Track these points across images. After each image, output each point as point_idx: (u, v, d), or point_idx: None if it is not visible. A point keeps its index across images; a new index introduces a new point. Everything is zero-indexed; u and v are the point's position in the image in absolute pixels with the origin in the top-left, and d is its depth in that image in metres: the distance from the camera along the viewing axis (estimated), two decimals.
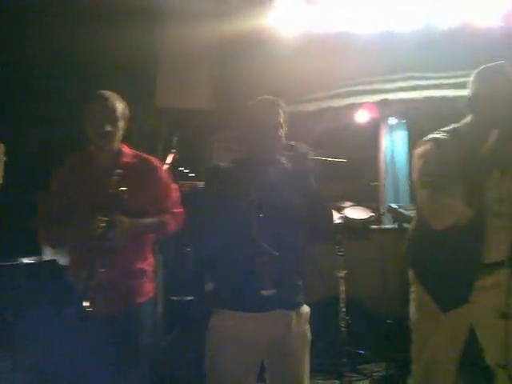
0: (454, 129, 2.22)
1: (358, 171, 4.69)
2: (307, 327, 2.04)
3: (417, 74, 4.67)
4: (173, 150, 2.92)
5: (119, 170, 2.13)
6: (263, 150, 2.03)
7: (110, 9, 3.87)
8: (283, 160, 2.05)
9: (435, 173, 2.06)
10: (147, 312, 2.32)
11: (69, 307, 2.10)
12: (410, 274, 2.34)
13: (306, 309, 2.06)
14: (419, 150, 2.21)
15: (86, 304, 1.91)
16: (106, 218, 2.04)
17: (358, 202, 4.09)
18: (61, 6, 3.90)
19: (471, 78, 2.21)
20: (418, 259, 2.31)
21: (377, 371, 3.55)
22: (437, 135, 2.19)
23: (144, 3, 4.06)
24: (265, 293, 1.89)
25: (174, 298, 3.35)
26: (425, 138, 2.23)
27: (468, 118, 2.21)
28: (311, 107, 4.51)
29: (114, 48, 3.78)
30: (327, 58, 4.58)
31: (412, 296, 2.32)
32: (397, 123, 4.95)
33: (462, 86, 4.08)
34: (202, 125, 4.62)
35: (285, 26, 4.66)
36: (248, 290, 1.91)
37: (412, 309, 2.30)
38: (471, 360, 2.42)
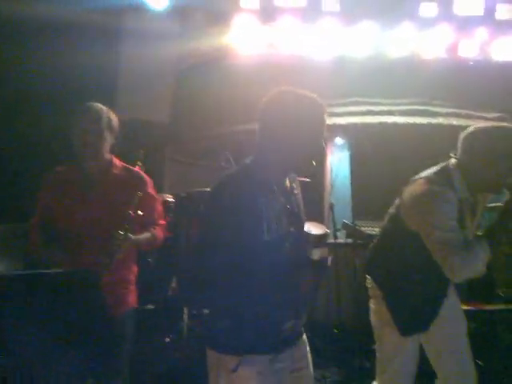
0: (448, 181, 2.21)
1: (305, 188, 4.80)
2: None
3: (366, 100, 4.86)
4: (139, 163, 2.88)
5: (140, 193, 2.18)
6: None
7: (73, 25, 3.88)
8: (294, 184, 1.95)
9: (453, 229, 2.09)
10: (130, 321, 2.33)
11: None
12: (373, 288, 2.42)
13: None
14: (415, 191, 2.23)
15: None
16: (121, 236, 2.10)
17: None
18: (24, 22, 3.84)
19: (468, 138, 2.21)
20: (385, 280, 2.39)
21: (329, 376, 3.60)
22: (440, 189, 2.15)
23: (106, 21, 4.10)
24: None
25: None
26: (420, 179, 2.23)
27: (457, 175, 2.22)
28: None
29: (77, 63, 3.79)
30: (283, 79, 4.62)
31: (373, 308, 2.43)
32: (342, 144, 5.13)
33: (409, 113, 4.30)
34: (159, 137, 4.59)
35: (242, 46, 4.75)
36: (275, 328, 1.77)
37: (374, 321, 2.42)
38: None
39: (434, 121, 4.50)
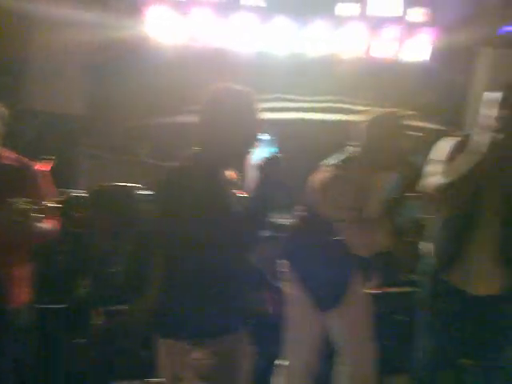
0: (349, 158, 2.49)
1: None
2: None
3: (288, 96, 4.94)
4: (50, 157, 2.75)
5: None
6: None
7: None
8: None
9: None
10: (16, 319, 2.25)
11: None
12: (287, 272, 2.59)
13: None
14: (323, 177, 2.43)
15: None
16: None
17: None
18: None
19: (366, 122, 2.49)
20: (298, 263, 2.56)
21: None
22: (336, 164, 2.44)
23: (16, 7, 3.89)
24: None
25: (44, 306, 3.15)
26: (326, 165, 2.46)
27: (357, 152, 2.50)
28: (188, 119, 4.51)
29: None
30: (204, 71, 4.62)
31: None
32: (268, 140, 5.18)
33: (328, 110, 4.43)
34: (73, 130, 4.41)
35: (160, 37, 4.64)
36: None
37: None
38: None
39: (344, 117, 4.67)
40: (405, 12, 5.06)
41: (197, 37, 4.75)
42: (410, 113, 2.45)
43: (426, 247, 2.56)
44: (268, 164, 1.96)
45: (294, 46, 4.85)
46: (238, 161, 2.01)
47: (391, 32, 4.98)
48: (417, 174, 2.45)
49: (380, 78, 4.98)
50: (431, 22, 5.11)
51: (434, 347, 2.45)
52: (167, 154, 4.09)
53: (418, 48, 5.11)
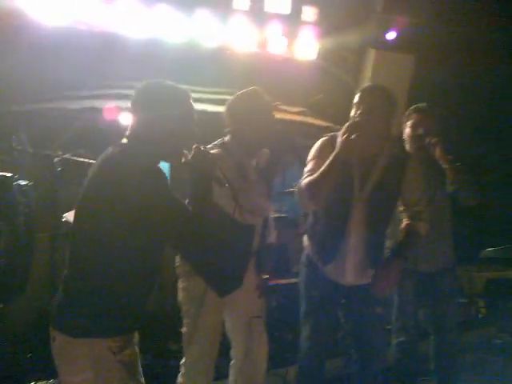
0: (224, 143, 2.60)
1: None
2: None
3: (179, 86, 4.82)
4: None
5: None
6: None
7: None
8: None
9: None
10: None
11: None
12: (181, 266, 2.59)
13: None
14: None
15: None
16: None
17: None
18: None
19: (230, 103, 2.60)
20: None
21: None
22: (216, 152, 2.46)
23: None
24: None
25: None
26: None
27: (233, 143, 2.59)
28: (74, 105, 4.24)
29: None
30: (92, 56, 4.40)
31: (182, 286, 2.59)
32: None
33: (220, 102, 4.42)
34: None
35: (44, 19, 4.30)
36: None
37: (183, 298, 2.57)
38: None
39: None
40: (300, 11, 5.18)
41: (82, 20, 4.49)
42: (278, 102, 2.56)
43: (306, 240, 2.74)
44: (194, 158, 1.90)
45: (185, 36, 4.79)
46: (174, 157, 1.95)
47: (281, 29, 5.09)
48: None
49: (272, 74, 5.03)
50: (320, 22, 5.29)
51: (309, 334, 2.64)
52: (44, 142, 3.85)
53: (308, 46, 5.27)
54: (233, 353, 2.66)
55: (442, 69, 5.64)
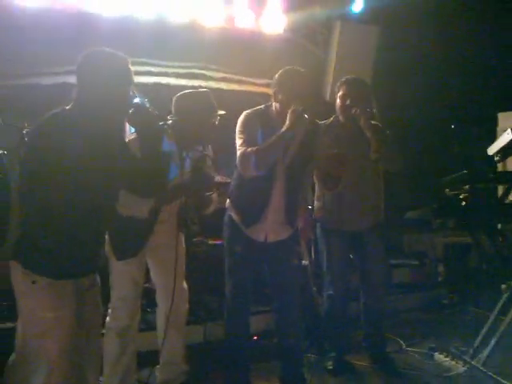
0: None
1: None
2: None
3: (152, 61, 5.05)
4: None
5: None
6: None
7: None
8: None
9: None
10: None
11: None
12: None
13: None
14: None
15: None
16: None
17: None
18: None
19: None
20: None
21: None
22: None
23: None
24: None
25: None
26: None
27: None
28: (48, 81, 4.53)
29: None
30: (65, 34, 4.60)
31: None
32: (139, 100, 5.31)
33: (185, 76, 4.65)
34: None
35: None
36: None
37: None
38: None
39: (204, 83, 4.91)
40: None
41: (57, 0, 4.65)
42: (222, 113, 2.81)
43: (228, 202, 3.07)
44: (135, 114, 2.22)
45: (155, 12, 4.92)
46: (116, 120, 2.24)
47: (248, 3, 5.24)
48: None
49: (240, 47, 5.24)
50: None
51: (231, 289, 2.99)
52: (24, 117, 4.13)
53: (275, 19, 5.42)
54: (157, 298, 2.98)
55: (406, 39, 5.78)
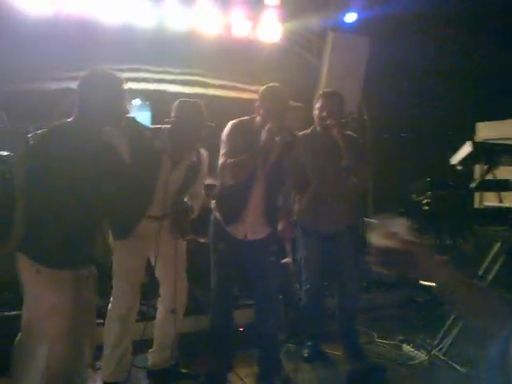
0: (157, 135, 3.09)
1: None
2: None
3: (150, 68, 5.28)
4: None
5: None
6: None
7: None
8: None
9: None
10: None
11: None
12: None
13: None
14: None
15: None
16: None
17: None
18: None
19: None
20: None
21: None
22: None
23: None
24: None
25: None
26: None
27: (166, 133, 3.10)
28: (52, 86, 4.83)
29: None
30: (69, 41, 4.71)
31: None
32: (141, 104, 5.59)
33: (182, 83, 4.89)
34: None
35: (21, 5, 4.68)
36: None
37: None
38: None
39: (202, 90, 5.19)
40: None
41: (61, 7, 4.83)
42: (213, 124, 3.09)
43: (213, 203, 3.35)
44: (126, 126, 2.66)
45: (155, 21, 5.14)
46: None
47: (245, 12, 5.46)
48: None
49: (237, 55, 5.45)
50: (283, 5, 5.63)
51: (216, 284, 3.27)
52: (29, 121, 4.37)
53: (271, 28, 5.65)
54: (161, 290, 3.28)
55: (397, 49, 6.03)
